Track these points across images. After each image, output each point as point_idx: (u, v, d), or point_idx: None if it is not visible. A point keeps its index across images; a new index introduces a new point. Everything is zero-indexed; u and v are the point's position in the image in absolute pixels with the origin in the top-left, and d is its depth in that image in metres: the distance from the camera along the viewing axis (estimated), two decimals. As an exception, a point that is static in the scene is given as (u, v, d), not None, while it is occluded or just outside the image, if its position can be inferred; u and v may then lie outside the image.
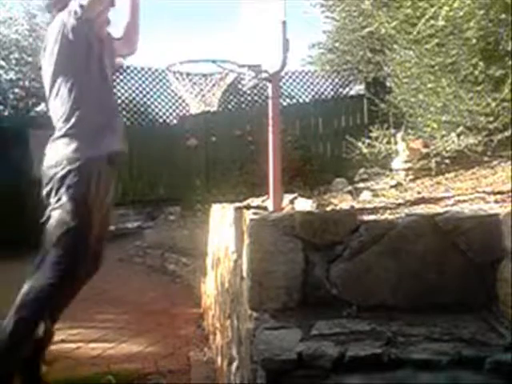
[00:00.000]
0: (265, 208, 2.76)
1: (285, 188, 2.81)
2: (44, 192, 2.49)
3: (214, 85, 2.99)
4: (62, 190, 2.40)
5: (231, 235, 2.44)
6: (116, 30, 2.78)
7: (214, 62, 2.90)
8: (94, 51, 2.48)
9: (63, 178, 2.40)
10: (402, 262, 1.75)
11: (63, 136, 2.49)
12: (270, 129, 2.74)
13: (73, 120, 2.46)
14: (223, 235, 2.81)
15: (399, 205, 2.73)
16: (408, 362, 1.38)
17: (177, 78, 3.00)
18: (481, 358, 1.37)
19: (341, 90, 9.54)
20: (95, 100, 2.50)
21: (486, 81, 3.39)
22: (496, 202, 2.38)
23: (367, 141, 5.05)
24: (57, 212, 2.41)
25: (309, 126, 8.88)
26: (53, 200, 2.44)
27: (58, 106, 2.53)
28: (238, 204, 2.99)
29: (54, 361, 3.30)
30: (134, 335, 3.72)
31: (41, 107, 9.02)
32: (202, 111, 3.02)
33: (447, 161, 4.19)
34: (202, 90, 3.00)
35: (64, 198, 2.39)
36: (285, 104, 8.76)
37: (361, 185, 4.50)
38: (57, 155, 2.46)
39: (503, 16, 3.05)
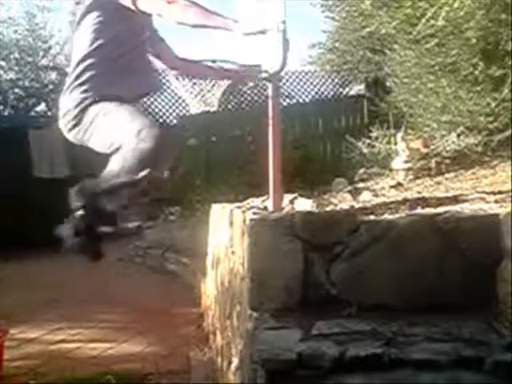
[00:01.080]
0: (265, 208, 2.75)
1: (285, 188, 2.81)
2: (77, 134, 2.51)
3: (213, 85, 2.99)
4: (88, 125, 2.43)
5: (231, 235, 2.44)
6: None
7: (213, 61, 2.90)
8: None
9: (81, 119, 2.44)
10: (402, 262, 1.75)
11: (76, 79, 2.48)
12: (270, 129, 2.73)
13: (88, 61, 2.46)
14: (223, 235, 2.81)
15: (400, 203, 2.73)
16: (408, 362, 1.38)
17: (177, 78, 3.00)
18: (481, 358, 1.37)
19: (341, 89, 9.53)
20: (114, 47, 2.46)
21: (485, 81, 3.38)
22: (496, 202, 2.38)
23: (367, 141, 5.06)
24: (100, 134, 2.43)
25: (309, 126, 8.88)
26: (85, 136, 2.47)
27: (75, 50, 2.52)
28: (237, 204, 2.99)
29: (53, 361, 3.31)
30: (134, 335, 3.72)
31: (41, 107, 9.01)
32: (201, 111, 3.01)
33: (447, 161, 4.19)
34: (201, 90, 3.00)
35: (92, 128, 2.43)
36: (285, 104, 8.75)
37: (361, 185, 4.49)
38: (72, 99, 2.46)
39: (503, 16, 3.05)
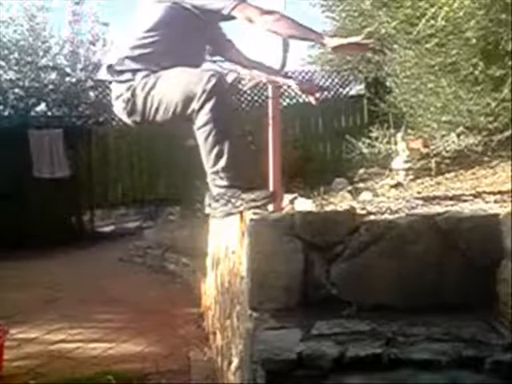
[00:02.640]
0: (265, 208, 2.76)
1: (285, 188, 2.81)
2: (138, 116, 2.50)
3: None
4: (144, 100, 2.43)
5: (231, 235, 2.44)
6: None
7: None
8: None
9: (135, 100, 2.46)
10: (402, 261, 1.75)
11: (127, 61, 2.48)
12: (270, 129, 2.74)
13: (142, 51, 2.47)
14: (223, 235, 2.81)
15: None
16: (408, 362, 1.37)
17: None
18: (481, 358, 1.36)
19: (341, 89, 9.54)
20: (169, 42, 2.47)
21: (485, 81, 3.38)
22: (496, 202, 2.38)
23: (367, 141, 5.06)
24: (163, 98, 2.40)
25: (309, 126, 8.89)
26: (147, 112, 2.45)
27: (131, 33, 2.54)
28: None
29: (53, 361, 3.31)
30: (134, 335, 3.72)
31: (41, 107, 9.00)
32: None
33: (447, 161, 4.20)
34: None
35: (150, 99, 2.42)
36: (285, 104, 8.75)
37: (361, 185, 4.49)
38: (122, 82, 2.47)
39: (503, 16, 3.05)
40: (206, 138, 2.32)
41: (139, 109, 2.45)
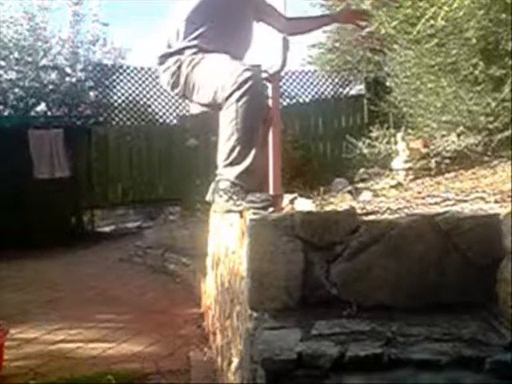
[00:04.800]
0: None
1: (285, 188, 2.81)
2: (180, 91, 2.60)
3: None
4: (186, 78, 2.53)
5: (231, 235, 2.44)
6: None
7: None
8: None
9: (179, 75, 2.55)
10: (402, 261, 1.75)
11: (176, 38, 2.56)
12: (270, 129, 2.74)
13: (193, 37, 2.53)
14: (223, 235, 2.81)
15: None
16: (408, 362, 1.37)
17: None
18: (481, 358, 1.36)
19: (341, 89, 9.54)
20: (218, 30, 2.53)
21: (485, 81, 3.38)
22: (496, 202, 2.38)
23: (367, 141, 5.05)
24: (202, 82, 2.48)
25: (309, 126, 8.89)
26: (188, 91, 2.55)
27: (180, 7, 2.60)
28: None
29: (53, 361, 3.31)
30: (134, 335, 3.72)
31: (41, 107, 9.01)
32: (201, 111, 3.02)
33: (447, 161, 4.19)
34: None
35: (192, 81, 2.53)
36: (285, 104, 8.76)
37: (361, 185, 4.49)
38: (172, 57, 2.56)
39: (503, 16, 3.04)
40: (227, 127, 2.34)
41: (181, 83, 2.53)
